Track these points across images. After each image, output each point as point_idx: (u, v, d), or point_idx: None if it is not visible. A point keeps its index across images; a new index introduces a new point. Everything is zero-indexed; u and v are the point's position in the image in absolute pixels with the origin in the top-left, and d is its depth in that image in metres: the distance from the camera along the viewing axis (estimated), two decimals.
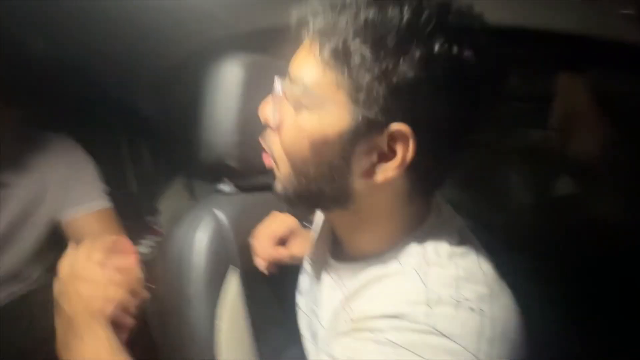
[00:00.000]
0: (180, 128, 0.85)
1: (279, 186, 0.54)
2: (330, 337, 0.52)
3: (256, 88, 0.78)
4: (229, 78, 0.79)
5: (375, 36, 0.42)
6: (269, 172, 0.55)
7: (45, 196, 1.04)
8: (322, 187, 0.49)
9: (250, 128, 0.78)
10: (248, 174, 0.84)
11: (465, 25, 0.44)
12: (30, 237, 1.06)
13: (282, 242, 0.80)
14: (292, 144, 0.49)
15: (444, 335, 0.40)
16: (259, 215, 0.82)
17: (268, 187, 0.57)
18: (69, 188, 1.06)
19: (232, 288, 0.76)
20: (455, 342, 0.40)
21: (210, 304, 0.71)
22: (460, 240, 0.50)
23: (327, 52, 0.45)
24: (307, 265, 0.67)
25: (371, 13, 0.42)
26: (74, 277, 0.60)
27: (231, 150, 0.79)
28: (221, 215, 0.80)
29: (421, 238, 0.49)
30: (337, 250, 0.59)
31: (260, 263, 0.79)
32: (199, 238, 0.75)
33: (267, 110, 0.52)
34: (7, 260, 1.04)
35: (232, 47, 0.84)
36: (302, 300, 0.68)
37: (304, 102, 0.47)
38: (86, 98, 1.31)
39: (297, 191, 0.51)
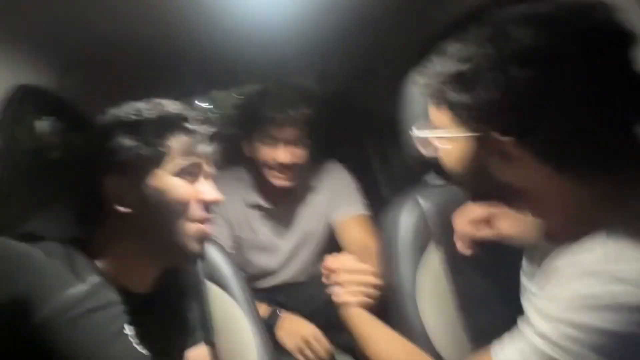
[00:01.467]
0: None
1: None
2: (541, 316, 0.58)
3: None
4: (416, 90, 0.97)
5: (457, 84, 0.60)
6: None
7: (324, 207, 1.44)
8: (481, 188, 0.67)
9: None
10: None
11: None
12: (314, 241, 1.48)
13: (485, 222, 0.92)
14: (444, 165, 0.71)
15: None
16: (462, 199, 0.94)
17: None
18: (339, 200, 1.43)
19: (434, 259, 0.95)
20: None
21: (410, 267, 0.94)
22: None
23: (436, 102, 0.65)
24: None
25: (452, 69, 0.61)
26: (346, 270, 0.92)
27: None
28: (425, 203, 0.99)
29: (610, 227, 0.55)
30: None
31: (457, 242, 0.94)
32: (404, 220, 0.98)
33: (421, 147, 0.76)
34: (301, 258, 1.48)
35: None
36: (523, 278, 0.78)
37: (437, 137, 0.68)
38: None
39: (468, 192, 0.72)
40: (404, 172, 1.72)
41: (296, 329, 1.25)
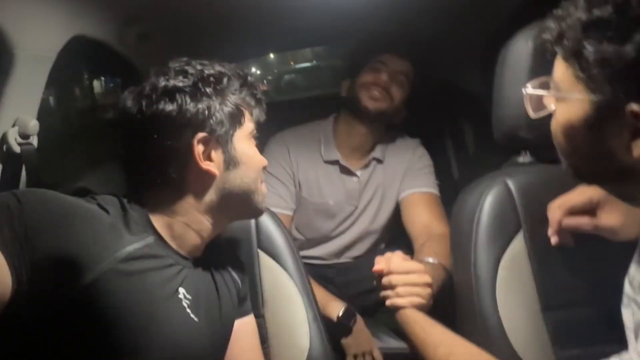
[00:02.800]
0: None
1: (563, 162, 0.64)
2: None
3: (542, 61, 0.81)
4: (517, 51, 0.85)
5: (599, 32, 0.50)
6: None
7: (395, 179, 1.39)
8: (591, 166, 0.58)
9: None
10: (546, 145, 0.88)
11: None
12: (378, 211, 1.42)
13: (584, 212, 0.80)
14: (553, 132, 0.61)
15: None
16: (557, 185, 0.84)
17: None
18: (411, 176, 1.38)
19: (517, 245, 0.85)
20: None
21: (493, 254, 0.84)
22: None
23: (565, 54, 0.56)
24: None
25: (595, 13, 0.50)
26: (397, 272, 0.84)
27: (521, 122, 0.85)
28: (511, 184, 0.88)
29: None
30: None
31: (550, 232, 0.82)
32: (487, 201, 0.87)
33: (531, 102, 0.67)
34: (360, 226, 1.42)
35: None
36: (628, 287, 0.67)
37: (555, 96, 0.60)
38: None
39: (575, 169, 0.62)
40: (482, 153, 1.63)
41: (361, 340, 1.24)
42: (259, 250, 0.96)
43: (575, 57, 0.53)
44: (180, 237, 0.72)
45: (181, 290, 0.69)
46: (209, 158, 0.71)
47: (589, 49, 0.51)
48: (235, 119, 0.73)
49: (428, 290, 0.85)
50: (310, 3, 1.24)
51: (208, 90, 0.70)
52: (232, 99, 0.73)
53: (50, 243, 0.56)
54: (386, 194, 1.40)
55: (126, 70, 1.14)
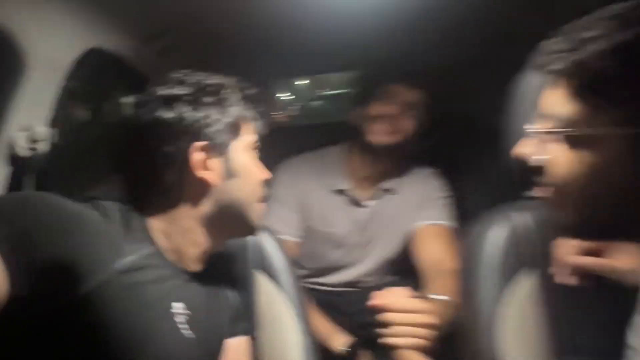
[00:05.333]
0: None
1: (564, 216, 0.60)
2: None
3: None
4: (529, 87, 0.85)
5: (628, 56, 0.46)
6: None
7: (409, 211, 1.37)
8: (601, 207, 0.53)
9: None
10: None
11: None
12: (389, 243, 1.40)
13: (593, 252, 0.77)
14: (564, 179, 0.56)
15: None
16: None
17: None
18: (424, 207, 1.35)
19: (523, 283, 0.82)
20: None
21: (494, 291, 0.82)
22: None
23: (579, 87, 0.51)
24: None
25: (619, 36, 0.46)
26: (399, 309, 0.81)
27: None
28: (521, 219, 0.86)
29: None
30: None
31: (556, 271, 0.79)
32: (494, 235, 0.86)
33: (527, 149, 0.62)
34: (372, 257, 1.41)
35: None
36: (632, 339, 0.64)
37: (569, 135, 0.53)
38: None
39: (587, 219, 0.57)
40: (499, 185, 1.60)
41: None
42: (255, 271, 0.96)
43: (584, 84, 0.50)
44: (178, 249, 0.73)
45: (176, 305, 0.70)
46: (206, 167, 0.72)
47: (600, 71, 0.47)
48: (235, 129, 0.74)
49: (430, 332, 0.81)
50: (330, 27, 1.27)
51: (207, 99, 0.72)
52: (232, 110, 0.74)
53: (48, 249, 0.56)
54: (399, 225, 1.38)
55: (141, 86, 1.18)
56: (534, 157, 0.60)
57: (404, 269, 1.46)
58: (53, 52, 0.86)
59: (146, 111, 0.70)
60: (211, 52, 1.29)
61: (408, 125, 1.30)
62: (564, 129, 0.53)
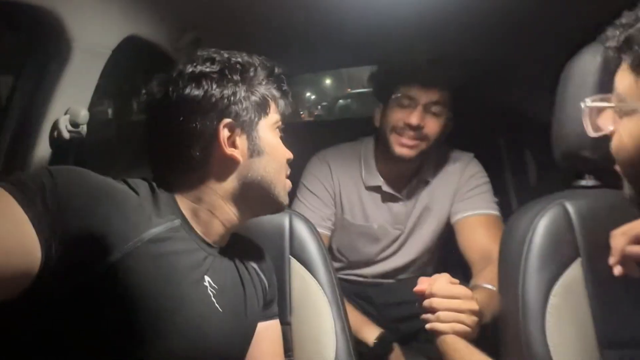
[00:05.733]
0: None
1: (626, 189, 0.60)
2: None
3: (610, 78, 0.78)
4: (583, 66, 0.81)
5: None
6: None
7: (444, 200, 1.33)
8: None
9: None
10: (609, 167, 0.83)
11: None
12: (427, 235, 1.37)
13: None
14: (617, 153, 0.57)
15: None
16: (622, 211, 0.78)
17: None
18: (464, 197, 1.31)
19: (573, 273, 0.79)
20: None
21: (544, 280, 0.79)
22: None
23: (634, 60, 0.52)
24: None
25: None
26: (442, 295, 0.82)
27: (584, 141, 0.80)
28: (570, 207, 0.82)
29: None
30: None
31: (613, 262, 0.76)
32: (542, 223, 0.82)
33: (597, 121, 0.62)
34: (408, 250, 1.38)
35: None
36: None
37: (621, 110, 0.55)
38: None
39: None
40: (542, 176, 1.55)
41: None
42: (291, 257, 0.96)
43: None
44: (205, 224, 0.73)
45: (207, 278, 0.70)
46: (233, 145, 0.72)
47: None
48: (261, 108, 0.75)
49: (473, 318, 0.81)
50: (362, 20, 1.25)
51: (234, 77, 0.72)
52: (259, 88, 0.75)
53: (80, 219, 0.57)
54: (434, 215, 1.35)
55: None
56: (597, 133, 0.60)
57: (443, 260, 1.44)
58: (96, 38, 0.87)
59: (175, 88, 0.70)
60: (238, 46, 1.29)
61: (435, 124, 1.23)
62: (624, 103, 0.54)
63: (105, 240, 0.58)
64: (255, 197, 0.76)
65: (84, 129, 0.88)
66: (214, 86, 0.71)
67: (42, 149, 0.84)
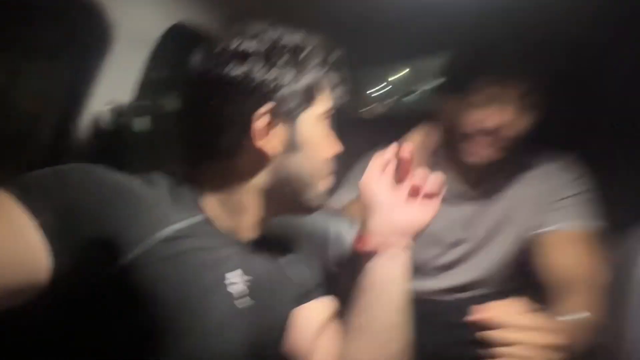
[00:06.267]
0: None
1: None
2: None
3: None
4: None
5: None
6: None
7: (529, 211, 1.13)
8: None
9: None
10: None
11: None
12: (500, 248, 1.18)
13: None
14: None
15: None
16: None
17: None
18: (554, 207, 1.10)
19: None
20: None
21: None
22: None
23: None
24: None
25: None
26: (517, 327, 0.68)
27: None
28: None
29: None
30: None
31: None
32: None
33: None
34: (475, 264, 1.20)
35: None
36: None
37: None
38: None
39: None
40: None
41: None
42: (334, 263, 0.90)
43: None
44: (232, 219, 0.68)
45: (232, 274, 0.65)
46: (268, 135, 0.65)
47: None
48: (308, 96, 0.66)
49: (554, 355, 0.67)
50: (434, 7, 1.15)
51: (283, 58, 0.64)
52: (309, 73, 0.66)
53: (89, 223, 0.54)
54: (514, 226, 1.15)
55: None
56: None
57: (521, 280, 1.27)
58: (140, 26, 0.85)
59: (213, 66, 0.64)
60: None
61: (517, 129, 1.04)
62: None
63: (115, 243, 0.55)
64: (286, 196, 0.69)
65: (125, 121, 0.86)
66: (258, 67, 0.63)
67: (82, 141, 0.83)
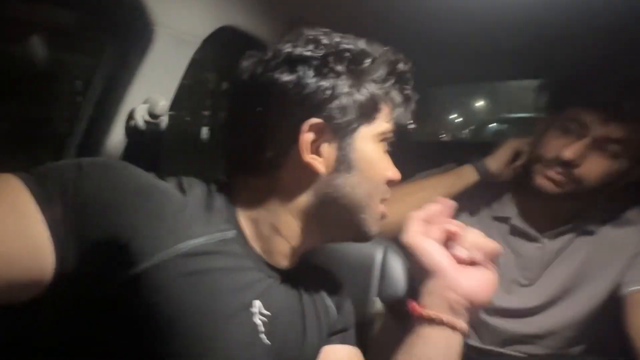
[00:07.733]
0: None
1: None
2: None
3: None
4: None
5: None
6: None
7: (614, 263, 1.02)
8: None
9: None
10: None
11: None
12: (572, 302, 1.05)
13: None
14: None
15: None
16: None
17: None
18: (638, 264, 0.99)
19: None
20: None
21: None
22: None
23: None
24: None
25: None
26: None
27: None
28: None
29: None
30: None
31: None
32: None
33: None
34: (546, 316, 1.07)
35: None
36: None
37: None
38: None
39: None
40: None
41: None
42: (377, 299, 0.82)
43: None
44: (266, 240, 0.61)
45: (257, 302, 0.58)
46: (317, 151, 0.59)
47: None
48: (366, 111, 0.60)
49: None
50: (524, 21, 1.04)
51: (339, 67, 0.58)
52: (369, 85, 0.60)
53: (102, 224, 0.50)
54: (595, 279, 1.02)
55: None
56: None
57: (594, 339, 1.09)
58: (183, 25, 0.84)
59: (262, 70, 0.59)
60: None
61: (600, 166, 0.94)
62: None
63: (128, 248, 0.50)
64: (334, 220, 0.62)
65: (163, 120, 0.85)
66: (311, 74, 0.57)
67: (117, 138, 0.82)
